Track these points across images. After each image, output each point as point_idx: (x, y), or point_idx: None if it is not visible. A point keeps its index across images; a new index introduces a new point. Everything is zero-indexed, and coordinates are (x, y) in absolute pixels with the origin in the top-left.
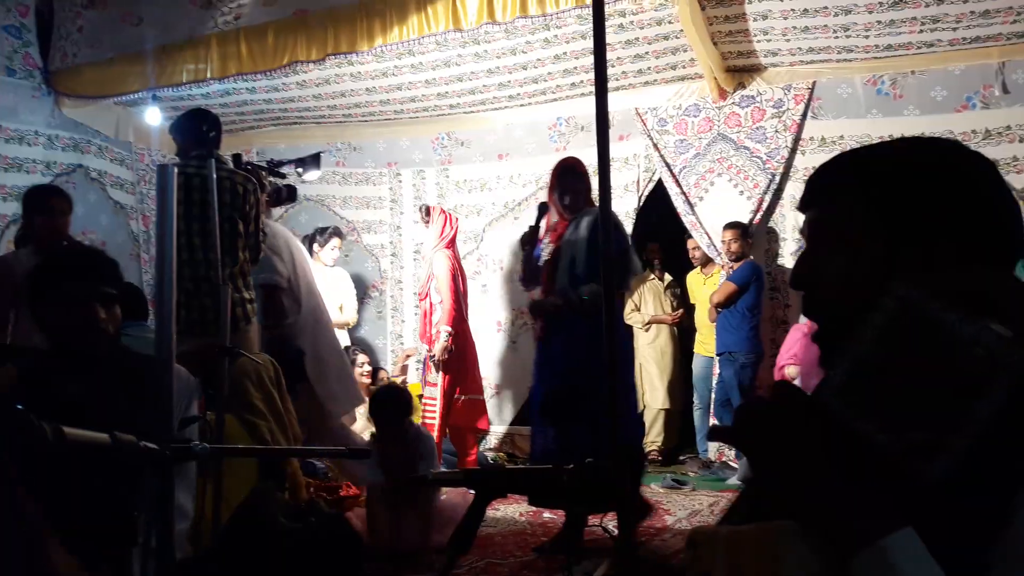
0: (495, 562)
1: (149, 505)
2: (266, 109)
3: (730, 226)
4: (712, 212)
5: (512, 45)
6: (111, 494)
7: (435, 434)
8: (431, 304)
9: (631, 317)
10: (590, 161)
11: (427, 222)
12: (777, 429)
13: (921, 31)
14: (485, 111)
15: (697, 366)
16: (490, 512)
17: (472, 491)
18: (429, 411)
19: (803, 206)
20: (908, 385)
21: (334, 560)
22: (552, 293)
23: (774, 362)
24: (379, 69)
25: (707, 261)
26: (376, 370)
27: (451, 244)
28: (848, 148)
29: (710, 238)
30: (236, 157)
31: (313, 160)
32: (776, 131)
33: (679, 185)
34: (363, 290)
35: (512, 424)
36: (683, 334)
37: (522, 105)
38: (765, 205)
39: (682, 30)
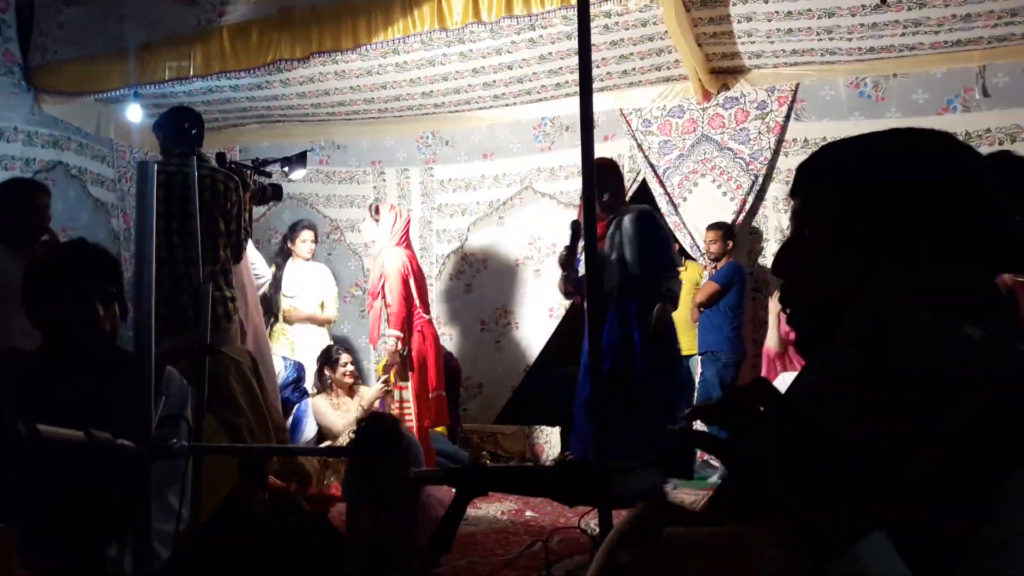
0: (477, 561)
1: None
2: (250, 107)
3: (713, 227)
4: (695, 213)
5: (497, 45)
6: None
7: (416, 435)
8: (385, 304)
9: None
10: (575, 162)
11: (377, 220)
12: (755, 424)
13: (903, 34)
14: (470, 110)
15: None
16: (472, 511)
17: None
18: (406, 413)
19: (792, 193)
20: (883, 387)
21: (316, 559)
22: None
23: (756, 362)
24: (364, 68)
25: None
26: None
27: (403, 242)
28: None
29: (693, 238)
30: (220, 155)
31: (299, 159)
32: (759, 132)
33: (663, 186)
34: (345, 288)
35: (495, 423)
36: None
37: (507, 105)
38: (748, 206)
39: (667, 31)
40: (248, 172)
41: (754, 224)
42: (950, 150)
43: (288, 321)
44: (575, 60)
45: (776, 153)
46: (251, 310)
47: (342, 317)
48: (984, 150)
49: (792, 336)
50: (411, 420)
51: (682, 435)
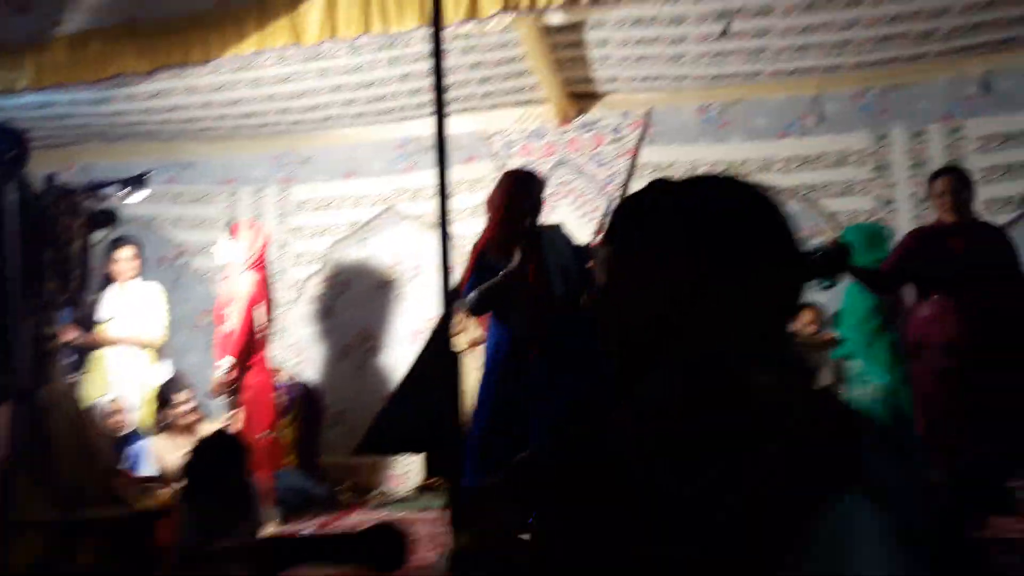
0: None
1: None
2: (90, 123)
3: None
4: None
5: (357, 63)
6: None
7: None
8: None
9: (457, 340)
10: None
11: (233, 239)
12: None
13: (746, 63)
14: (330, 128)
15: None
16: None
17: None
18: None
19: (607, 237)
20: (695, 430)
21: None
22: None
23: None
24: (215, 83)
25: None
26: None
27: (258, 264)
28: (680, 175)
29: None
30: (48, 178)
31: (138, 180)
32: (614, 156)
33: None
34: (192, 317)
35: (357, 454)
36: None
37: (368, 124)
38: (604, 228)
39: (526, 55)
40: (79, 196)
41: None
42: (758, 200)
43: (101, 346)
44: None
45: (630, 176)
46: None
47: (187, 348)
48: (820, 172)
49: None
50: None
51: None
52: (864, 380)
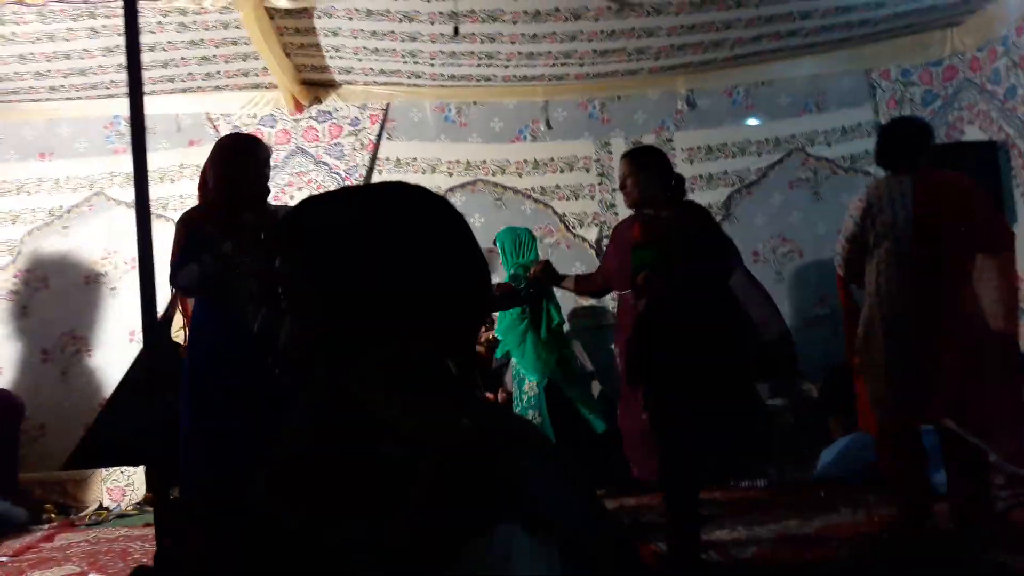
0: None
1: None
2: None
3: None
4: None
5: (49, 30)
6: None
7: None
8: None
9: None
10: (159, 165)
11: None
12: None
13: (479, 65)
14: (20, 102)
15: None
16: None
17: None
18: None
19: (273, 250)
20: (337, 473)
21: None
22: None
23: None
24: None
25: None
26: None
27: None
28: (420, 171)
29: None
30: None
31: None
32: (354, 149)
33: None
34: None
35: (64, 469)
36: None
37: (69, 99)
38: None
39: (252, 37)
40: None
41: None
42: (423, 218)
43: None
44: (149, 55)
45: (371, 171)
46: None
47: None
48: (549, 176)
49: None
50: None
51: None
52: (522, 379)
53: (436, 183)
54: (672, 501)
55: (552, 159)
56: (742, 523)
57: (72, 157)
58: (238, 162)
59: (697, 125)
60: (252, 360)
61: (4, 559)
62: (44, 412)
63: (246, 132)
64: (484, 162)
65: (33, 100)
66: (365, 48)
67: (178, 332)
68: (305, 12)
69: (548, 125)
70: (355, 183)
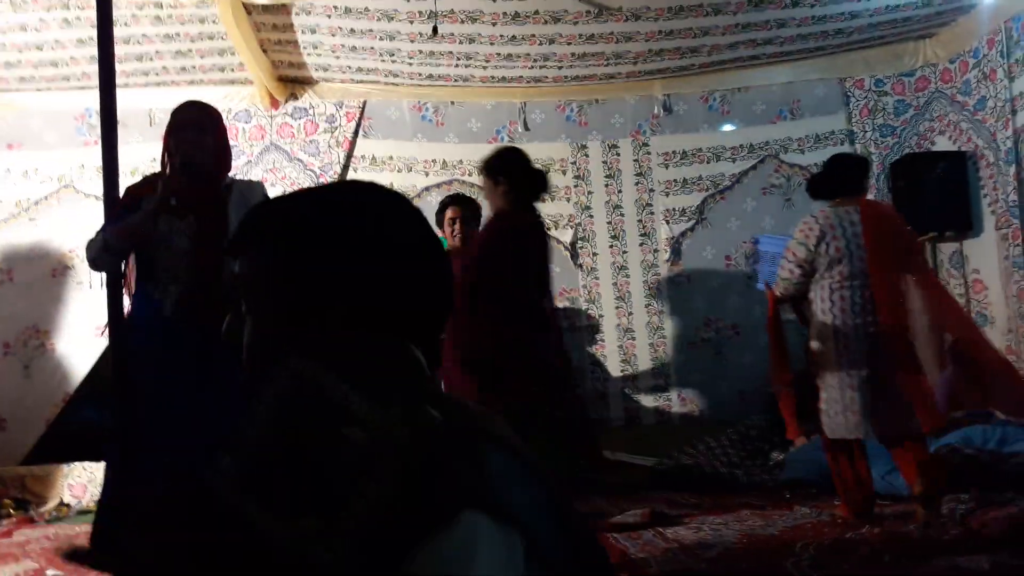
0: None
1: None
2: None
3: None
4: None
5: (21, 20)
6: None
7: None
8: None
9: None
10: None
11: None
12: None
13: (457, 65)
14: None
15: None
16: None
17: None
18: None
19: (232, 250)
20: (298, 466)
21: None
22: None
23: None
24: None
25: None
26: None
27: None
28: (396, 169)
29: None
30: None
31: None
32: (329, 146)
33: None
34: None
35: (26, 464)
36: None
37: (39, 90)
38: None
39: (228, 32)
40: None
41: None
42: (382, 214)
43: None
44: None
45: (346, 168)
46: None
47: None
48: None
49: None
50: None
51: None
52: None
53: (412, 182)
54: None
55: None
56: (707, 523)
57: (41, 149)
58: (177, 130)
59: (673, 130)
60: (172, 345)
61: None
62: (5, 406)
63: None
64: (461, 162)
65: (2, 90)
66: (343, 46)
67: None
68: (283, 8)
69: (525, 126)
70: (330, 179)
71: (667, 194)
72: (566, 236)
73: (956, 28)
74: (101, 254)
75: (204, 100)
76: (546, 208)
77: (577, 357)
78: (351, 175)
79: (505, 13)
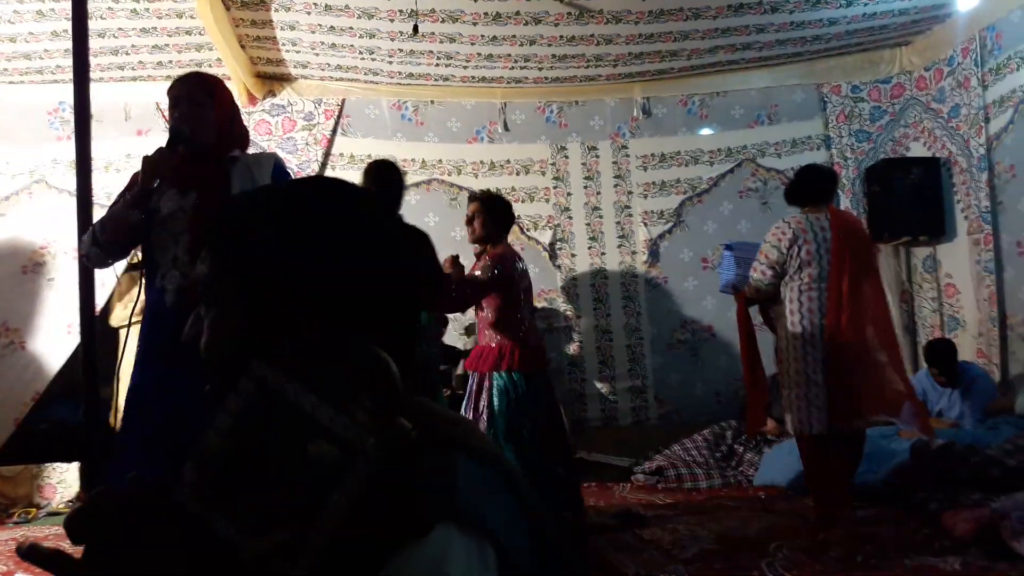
0: None
1: None
2: None
3: None
4: None
5: None
6: None
7: None
8: None
9: (117, 312)
10: (103, 155)
11: None
12: (125, 534)
13: (437, 65)
14: None
15: None
16: None
17: None
18: None
19: (209, 249)
20: (265, 477)
21: None
22: None
23: None
24: None
25: None
26: None
27: None
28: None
29: None
30: None
31: None
32: (307, 144)
33: None
34: None
35: None
36: None
37: (12, 83)
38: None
39: (206, 27)
40: None
41: None
42: (346, 211)
43: None
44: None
45: (324, 166)
46: None
47: None
48: (506, 178)
49: None
50: None
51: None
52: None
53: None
54: None
55: (508, 161)
56: (683, 524)
57: (13, 143)
58: (172, 107)
59: (652, 133)
60: (175, 339)
61: None
62: None
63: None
64: (440, 161)
65: None
66: (322, 43)
67: (117, 319)
68: (262, 4)
69: (505, 127)
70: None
71: (645, 196)
72: (545, 237)
73: (931, 37)
74: (91, 249)
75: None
76: (525, 209)
77: (555, 358)
78: (329, 173)
79: (486, 13)
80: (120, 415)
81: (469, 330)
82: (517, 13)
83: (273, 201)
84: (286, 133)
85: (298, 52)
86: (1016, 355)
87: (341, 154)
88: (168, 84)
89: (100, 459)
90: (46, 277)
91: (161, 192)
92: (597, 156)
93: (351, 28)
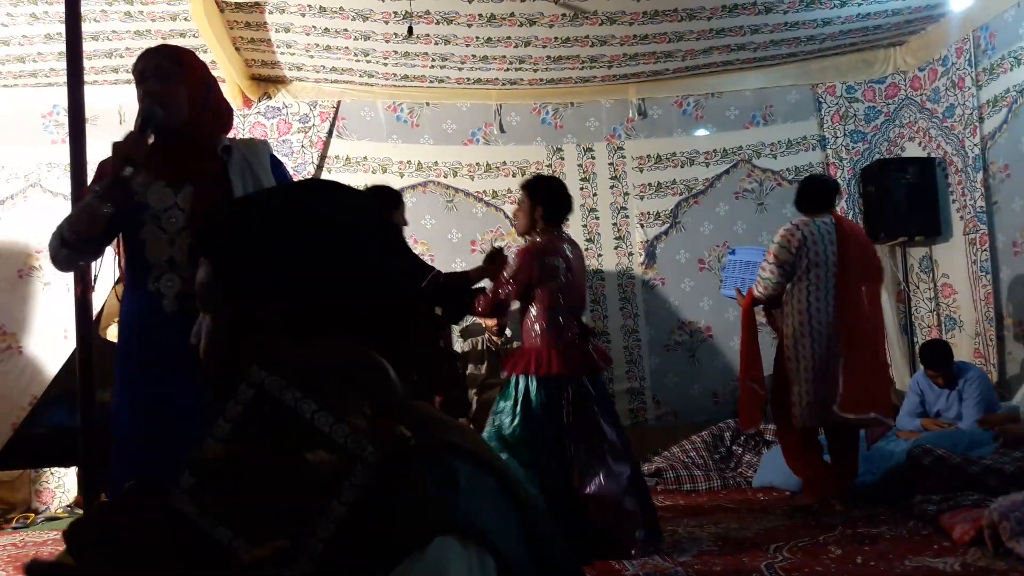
0: None
1: None
2: None
3: None
4: None
5: None
6: None
7: None
8: None
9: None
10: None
11: None
12: (123, 541)
13: (432, 67)
14: None
15: None
16: None
17: None
18: None
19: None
20: (264, 484)
21: None
22: None
23: None
24: None
25: None
26: None
27: None
28: (371, 170)
29: None
30: None
31: None
32: (303, 146)
33: None
34: None
35: None
36: None
37: (6, 86)
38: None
39: (201, 30)
40: None
41: None
42: (340, 215)
43: None
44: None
45: (319, 168)
46: None
47: None
48: (502, 180)
49: None
50: None
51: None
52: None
53: (387, 183)
54: None
55: (504, 163)
56: (682, 526)
57: (8, 146)
58: (138, 84)
59: (647, 134)
60: (179, 349)
61: None
62: None
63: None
64: (436, 163)
65: None
66: (317, 45)
67: (108, 327)
68: (257, 7)
69: (501, 129)
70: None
71: (641, 198)
72: None
73: (926, 36)
74: (59, 251)
75: None
76: None
77: None
78: (324, 176)
79: (480, 15)
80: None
81: (465, 333)
82: (512, 15)
83: (267, 209)
84: (281, 136)
85: (293, 54)
86: (1013, 355)
87: (337, 156)
88: None
89: (97, 464)
90: (42, 281)
91: (146, 184)
92: (593, 157)
93: (346, 30)
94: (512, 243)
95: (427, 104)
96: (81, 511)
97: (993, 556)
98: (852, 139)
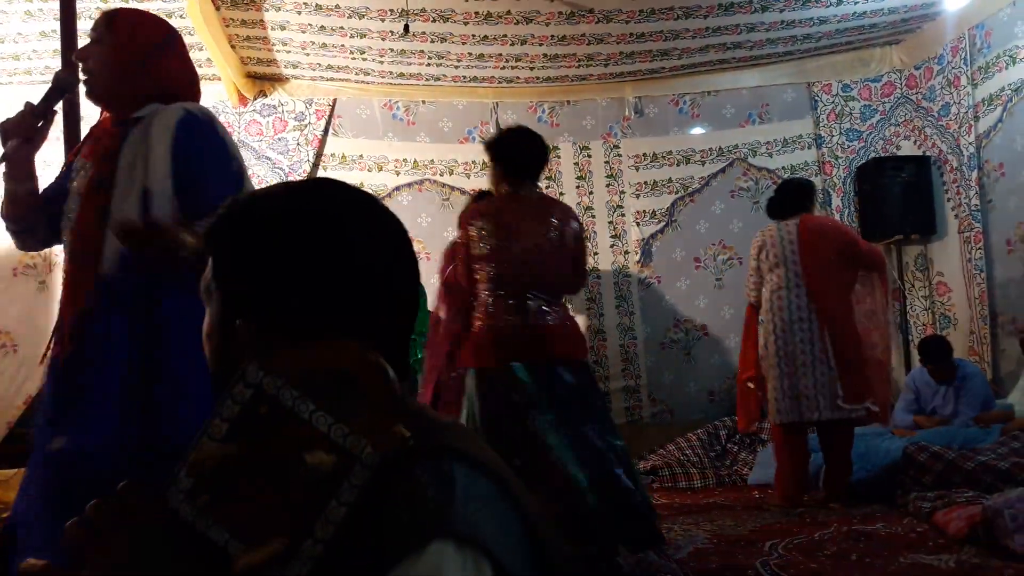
0: None
1: None
2: None
3: None
4: None
5: None
6: None
7: None
8: None
9: None
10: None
11: None
12: (119, 542)
13: (428, 65)
14: None
15: None
16: None
17: None
18: None
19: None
20: (261, 484)
21: None
22: None
23: None
24: None
25: None
26: None
27: None
28: (367, 168)
29: None
30: None
31: None
32: (298, 144)
33: None
34: None
35: None
36: None
37: (2, 84)
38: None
39: (196, 27)
40: None
41: None
42: (342, 213)
43: None
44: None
45: (315, 167)
46: None
47: None
48: None
49: None
50: None
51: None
52: None
53: (383, 181)
54: None
55: None
56: (678, 523)
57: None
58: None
59: (644, 132)
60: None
61: None
62: None
63: None
64: (432, 162)
65: None
66: (313, 43)
67: None
68: (252, 4)
69: (497, 127)
70: (298, 178)
71: (637, 196)
72: None
73: (921, 35)
74: (12, 237)
75: None
76: None
77: None
78: (320, 174)
79: (477, 13)
80: None
81: None
82: (508, 12)
83: (267, 204)
84: (277, 134)
85: (289, 52)
86: (1007, 352)
87: (332, 154)
88: None
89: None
90: (37, 280)
91: (78, 168)
92: (589, 156)
93: (342, 28)
94: None
95: (423, 102)
96: None
97: (988, 553)
98: (848, 137)
